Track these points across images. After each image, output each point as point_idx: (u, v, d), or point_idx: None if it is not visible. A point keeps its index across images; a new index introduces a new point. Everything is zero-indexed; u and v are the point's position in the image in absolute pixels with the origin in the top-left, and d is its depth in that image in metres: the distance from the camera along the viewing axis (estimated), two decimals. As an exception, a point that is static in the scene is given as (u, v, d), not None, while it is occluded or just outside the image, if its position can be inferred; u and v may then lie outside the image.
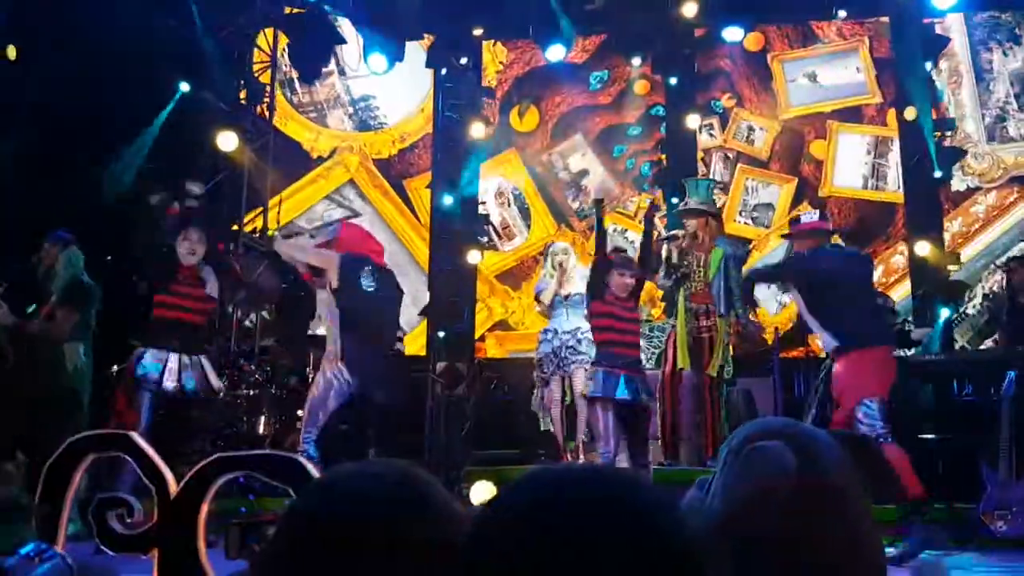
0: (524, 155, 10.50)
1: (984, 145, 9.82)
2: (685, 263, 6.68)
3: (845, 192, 9.94)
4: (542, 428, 7.30)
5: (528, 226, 10.39)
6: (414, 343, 9.67)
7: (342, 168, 10.46)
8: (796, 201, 9.96)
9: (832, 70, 10.23)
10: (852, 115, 10.11)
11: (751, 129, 10.27)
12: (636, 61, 10.23)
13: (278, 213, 9.40)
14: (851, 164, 10.00)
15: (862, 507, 1.25)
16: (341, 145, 10.53)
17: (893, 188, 9.82)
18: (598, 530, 0.78)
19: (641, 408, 5.31)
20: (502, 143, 10.49)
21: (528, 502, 0.83)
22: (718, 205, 10.03)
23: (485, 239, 10.07)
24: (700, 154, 10.24)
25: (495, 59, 10.64)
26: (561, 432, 7.19)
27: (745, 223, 10.04)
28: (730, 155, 10.26)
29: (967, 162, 9.80)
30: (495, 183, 10.44)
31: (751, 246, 9.83)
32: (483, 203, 10.22)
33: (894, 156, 9.89)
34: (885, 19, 10.01)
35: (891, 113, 9.97)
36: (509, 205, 10.41)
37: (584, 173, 10.40)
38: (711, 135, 10.29)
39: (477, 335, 10.13)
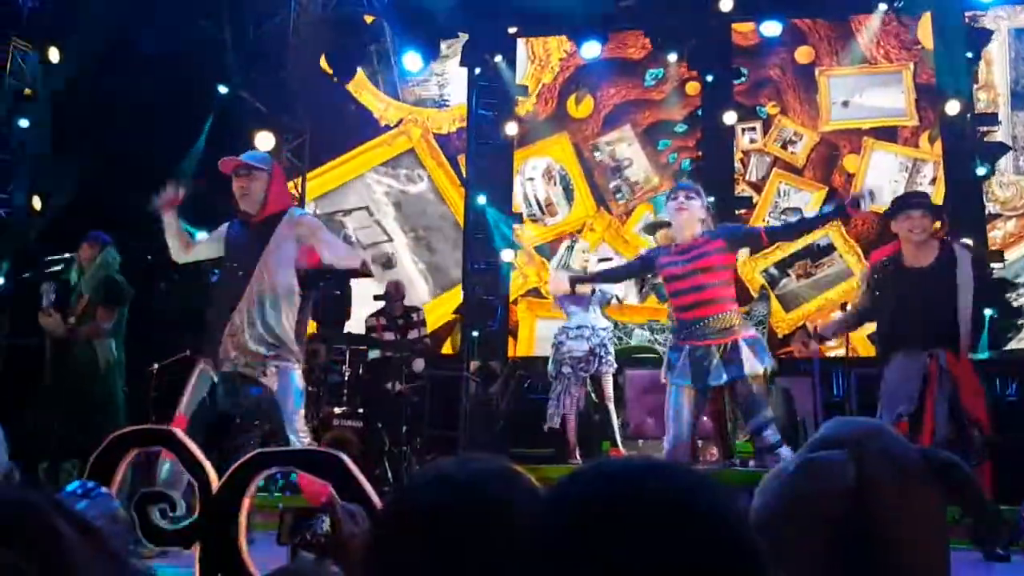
0: (575, 139, 10.93)
1: (1011, 174, 10.14)
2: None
3: (871, 207, 10.25)
4: (551, 426, 7.07)
5: (570, 205, 10.86)
6: (447, 342, 10.23)
7: (405, 137, 11.04)
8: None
9: (875, 90, 10.51)
10: (888, 135, 10.38)
11: (791, 137, 10.64)
12: (672, 58, 10.48)
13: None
14: (880, 181, 10.21)
15: (929, 551, 1.10)
16: (407, 117, 11.08)
17: (917, 207, 10.19)
18: (658, 529, 0.74)
19: (726, 387, 4.47)
20: (556, 126, 10.94)
21: (587, 497, 0.79)
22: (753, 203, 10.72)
23: (527, 213, 10.73)
24: (739, 155, 10.62)
25: (560, 47, 11.13)
26: (575, 434, 6.99)
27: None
28: (767, 159, 10.63)
29: (992, 189, 10.13)
30: (545, 162, 10.92)
31: (775, 245, 10.40)
32: (531, 179, 10.80)
33: (922, 178, 10.28)
34: (931, 46, 10.37)
35: (924, 136, 10.34)
36: (555, 184, 10.86)
37: (628, 162, 10.86)
38: (752, 139, 10.71)
39: (512, 299, 10.63)
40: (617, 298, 7.55)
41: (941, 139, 10.09)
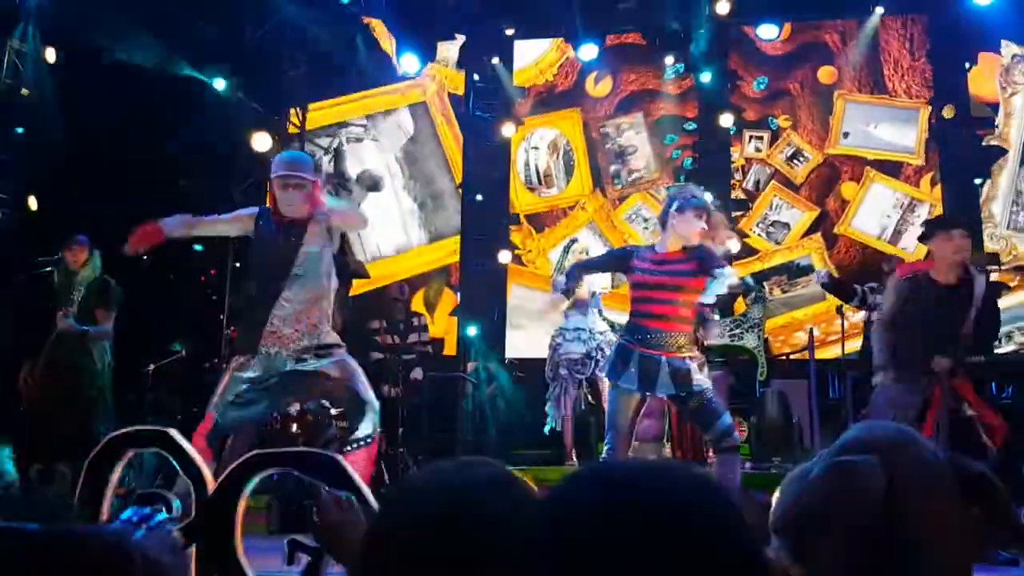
0: (587, 117, 11.04)
1: (1004, 229, 10.18)
2: None
3: (858, 236, 10.30)
4: (554, 428, 7.12)
5: (568, 180, 11.02)
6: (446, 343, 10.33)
7: (419, 90, 11.15)
8: (812, 229, 10.41)
9: (888, 123, 10.48)
10: (891, 169, 10.39)
11: (796, 153, 10.70)
12: (669, 60, 10.53)
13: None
14: (873, 213, 10.31)
15: (956, 559, 1.09)
16: (427, 71, 11.09)
17: (903, 246, 10.25)
18: (668, 531, 0.75)
19: (674, 400, 4.52)
20: (571, 101, 11.02)
21: (593, 500, 0.79)
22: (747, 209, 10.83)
23: (524, 178, 10.91)
24: (741, 161, 10.69)
25: (589, 24, 11.27)
26: (571, 436, 7.12)
27: (759, 235, 10.50)
28: (768, 170, 10.69)
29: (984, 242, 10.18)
30: (553, 134, 11.06)
31: (756, 257, 10.58)
32: (536, 148, 10.94)
33: (915, 218, 10.34)
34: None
35: (927, 178, 10.38)
36: (558, 158, 11.00)
37: (633, 149, 10.95)
38: (758, 148, 10.80)
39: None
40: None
41: (937, 143, 10.06)
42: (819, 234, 10.42)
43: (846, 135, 10.56)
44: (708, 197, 4.77)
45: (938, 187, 10.19)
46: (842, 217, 10.46)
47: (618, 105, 11.12)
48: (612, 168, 11.00)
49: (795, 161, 10.71)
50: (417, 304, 10.51)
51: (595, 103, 11.16)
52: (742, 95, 10.87)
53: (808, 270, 10.35)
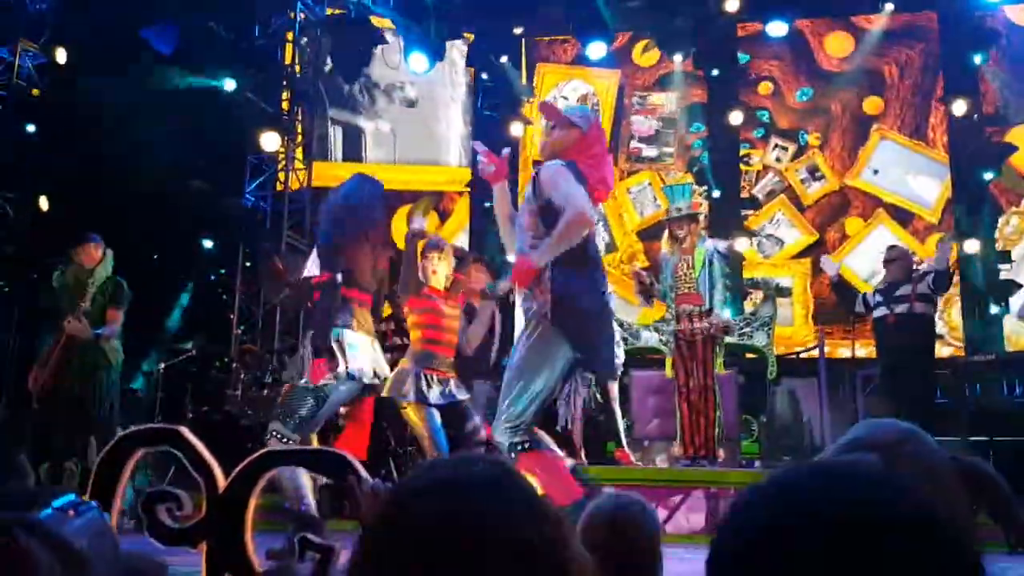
0: (624, 81, 10.95)
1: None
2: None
3: (848, 273, 10.05)
4: (563, 427, 7.45)
5: None
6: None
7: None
8: (804, 254, 10.32)
9: (916, 171, 10.27)
10: (903, 217, 10.22)
11: (814, 174, 10.55)
12: (678, 58, 10.33)
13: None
14: (870, 255, 10.04)
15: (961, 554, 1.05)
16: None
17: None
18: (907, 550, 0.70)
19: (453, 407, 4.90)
20: (614, 62, 10.82)
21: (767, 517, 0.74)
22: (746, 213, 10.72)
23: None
24: (759, 167, 10.61)
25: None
26: (580, 437, 6.98)
27: (748, 242, 10.39)
28: (782, 183, 10.57)
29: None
30: (587, 89, 11.00)
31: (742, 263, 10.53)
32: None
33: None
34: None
35: (934, 237, 10.14)
36: None
37: (656, 126, 10.91)
38: (779, 158, 10.63)
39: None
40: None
41: (948, 139, 9.86)
42: (809, 260, 10.32)
43: (875, 172, 10.34)
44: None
45: (942, 249, 9.94)
46: (838, 249, 10.32)
47: (658, 80, 10.99)
48: (631, 138, 10.94)
49: (810, 181, 10.57)
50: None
51: (637, 71, 11.05)
52: (782, 101, 10.70)
53: (786, 292, 10.33)
